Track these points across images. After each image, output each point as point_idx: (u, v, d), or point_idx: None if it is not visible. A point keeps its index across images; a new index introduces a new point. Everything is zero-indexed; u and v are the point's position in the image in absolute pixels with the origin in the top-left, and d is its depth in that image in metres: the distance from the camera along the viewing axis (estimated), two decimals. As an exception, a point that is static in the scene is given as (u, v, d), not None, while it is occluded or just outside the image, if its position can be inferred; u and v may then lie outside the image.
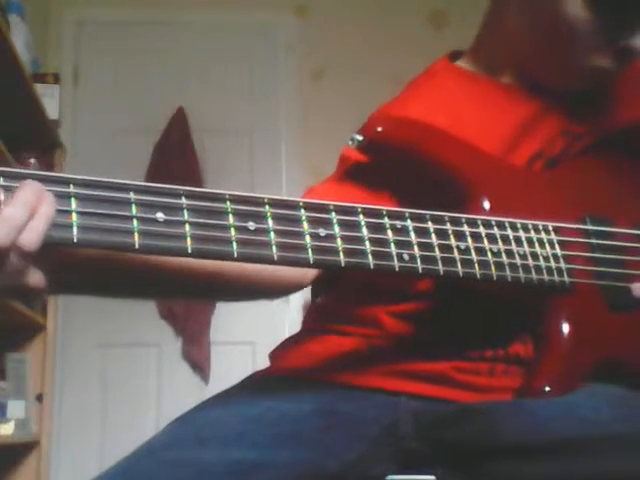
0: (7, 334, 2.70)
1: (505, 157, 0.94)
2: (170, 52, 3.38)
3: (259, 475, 0.79)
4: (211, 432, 0.82)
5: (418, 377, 0.88)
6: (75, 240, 0.60)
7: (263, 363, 1.01)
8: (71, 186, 0.61)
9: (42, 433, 2.81)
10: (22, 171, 0.60)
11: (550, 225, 0.86)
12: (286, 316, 3.11)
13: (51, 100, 2.85)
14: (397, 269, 0.73)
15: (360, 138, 0.86)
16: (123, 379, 3.12)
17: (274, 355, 1.01)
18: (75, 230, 0.60)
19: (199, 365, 3.12)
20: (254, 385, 0.94)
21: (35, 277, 0.61)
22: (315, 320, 1.02)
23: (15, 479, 2.74)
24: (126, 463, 0.79)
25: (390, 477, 0.87)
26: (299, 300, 3.02)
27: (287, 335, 1.03)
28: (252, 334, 3.12)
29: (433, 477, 0.86)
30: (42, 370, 2.83)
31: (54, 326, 2.93)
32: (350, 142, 0.86)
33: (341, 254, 0.70)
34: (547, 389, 0.80)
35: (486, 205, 0.85)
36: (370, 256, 0.72)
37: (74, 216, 0.60)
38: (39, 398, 2.81)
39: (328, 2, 3.47)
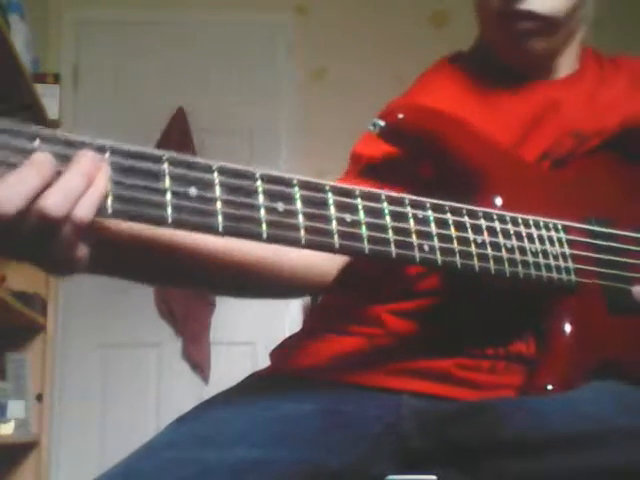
0: (7, 334, 2.70)
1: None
2: (170, 52, 3.38)
3: (260, 474, 0.79)
4: (212, 432, 0.82)
5: (420, 375, 0.89)
6: (110, 211, 0.58)
7: (263, 363, 1.00)
8: (107, 154, 0.58)
9: (42, 433, 2.81)
10: (72, 137, 0.57)
11: (560, 224, 0.86)
12: (286, 316, 3.11)
13: (51, 100, 2.84)
14: (418, 260, 0.73)
15: (382, 124, 0.86)
16: (123, 379, 3.12)
17: (275, 354, 1.01)
18: (110, 200, 0.58)
19: (199, 365, 3.12)
20: (255, 385, 0.94)
21: (82, 251, 0.59)
22: (317, 320, 1.02)
23: (15, 479, 2.74)
24: (127, 463, 0.79)
25: (390, 477, 0.87)
26: (299, 300, 3.03)
27: (287, 335, 1.03)
28: (252, 334, 3.12)
29: (434, 477, 0.86)
30: (42, 370, 2.83)
31: (54, 326, 2.93)
32: (372, 127, 0.86)
33: (365, 241, 0.70)
34: (550, 387, 0.81)
35: (498, 201, 0.86)
36: (393, 245, 0.71)
37: (110, 185, 0.58)
38: (39, 398, 2.81)
39: (328, 2, 3.47)
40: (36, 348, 2.83)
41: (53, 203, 0.54)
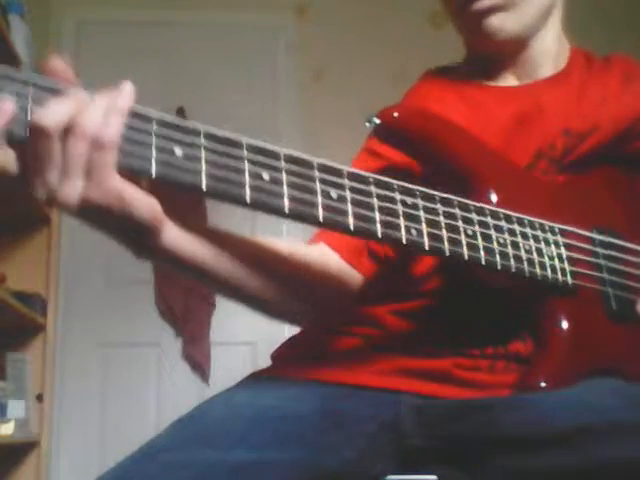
0: (7, 334, 2.70)
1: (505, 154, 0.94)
2: (170, 52, 3.38)
3: (260, 476, 0.78)
4: (212, 433, 0.82)
5: (419, 375, 0.89)
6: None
7: (263, 363, 1.00)
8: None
9: (42, 433, 2.81)
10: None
11: (557, 227, 0.86)
12: (286, 316, 3.11)
13: (51, 100, 2.84)
14: (404, 241, 0.73)
15: (378, 121, 0.87)
16: (123, 379, 3.12)
17: (276, 355, 1.01)
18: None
19: (199, 365, 3.12)
20: (255, 385, 0.94)
21: (116, 181, 0.64)
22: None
23: (15, 479, 2.74)
24: (126, 465, 0.78)
25: (390, 477, 0.87)
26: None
27: (287, 335, 1.03)
28: (252, 334, 3.12)
29: (434, 477, 0.86)
30: (42, 370, 2.83)
31: (54, 326, 2.93)
32: (367, 124, 0.88)
33: (350, 217, 0.70)
34: (543, 384, 0.81)
35: (493, 198, 0.86)
36: (379, 224, 0.72)
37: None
38: (39, 398, 2.81)
39: (328, 2, 3.47)
40: (36, 348, 2.83)
41: (87, 120, 0.63)
